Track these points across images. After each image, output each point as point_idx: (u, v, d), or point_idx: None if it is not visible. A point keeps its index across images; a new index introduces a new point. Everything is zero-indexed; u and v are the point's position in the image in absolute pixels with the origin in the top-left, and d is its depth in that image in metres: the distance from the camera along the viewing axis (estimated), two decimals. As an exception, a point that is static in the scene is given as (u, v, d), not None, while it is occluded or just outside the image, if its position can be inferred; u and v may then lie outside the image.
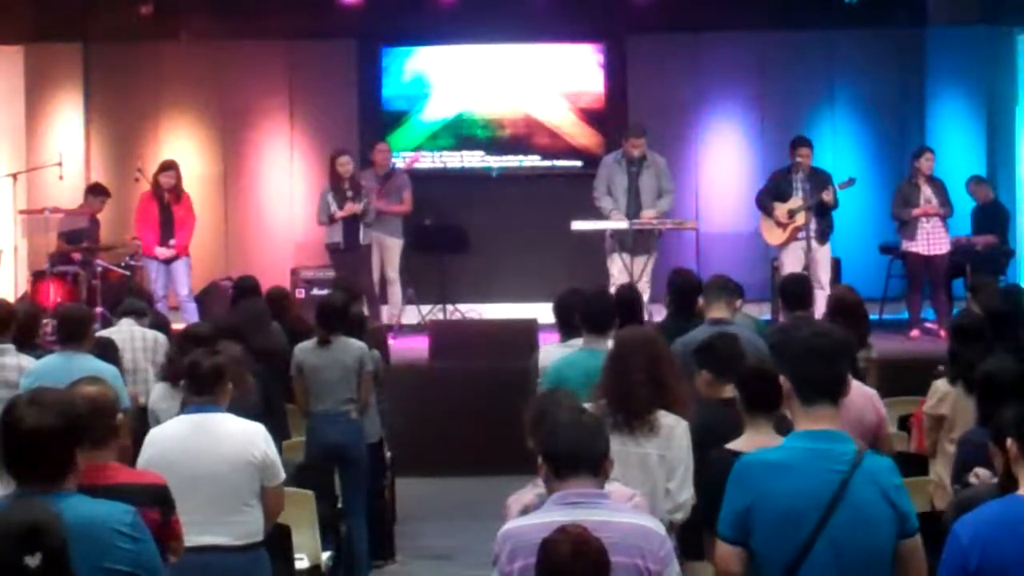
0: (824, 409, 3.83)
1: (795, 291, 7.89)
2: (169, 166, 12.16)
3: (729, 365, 5.61)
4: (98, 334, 8.02)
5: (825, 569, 3.72)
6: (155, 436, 5.57)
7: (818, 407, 3.83)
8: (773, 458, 3.87)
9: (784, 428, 5.21)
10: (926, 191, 12.05)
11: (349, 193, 12.18)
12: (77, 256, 12.50)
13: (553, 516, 3.68)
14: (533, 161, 14.17)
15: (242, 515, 5.46)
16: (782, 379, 3.91)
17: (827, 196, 11.63)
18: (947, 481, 6.34)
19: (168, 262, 12.02)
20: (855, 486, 3.73)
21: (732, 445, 5.00)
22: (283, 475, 5.62)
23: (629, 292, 8.54)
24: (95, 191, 12.95)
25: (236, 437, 5.49)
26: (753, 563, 3.80)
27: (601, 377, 5.44)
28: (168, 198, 12.04)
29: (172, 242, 12.03)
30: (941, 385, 6.68)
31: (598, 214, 11.93)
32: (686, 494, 5.24)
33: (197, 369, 5.57)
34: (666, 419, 5.30)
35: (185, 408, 5.64)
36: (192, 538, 5.30)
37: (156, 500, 4.50)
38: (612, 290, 10.25)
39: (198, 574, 5.29)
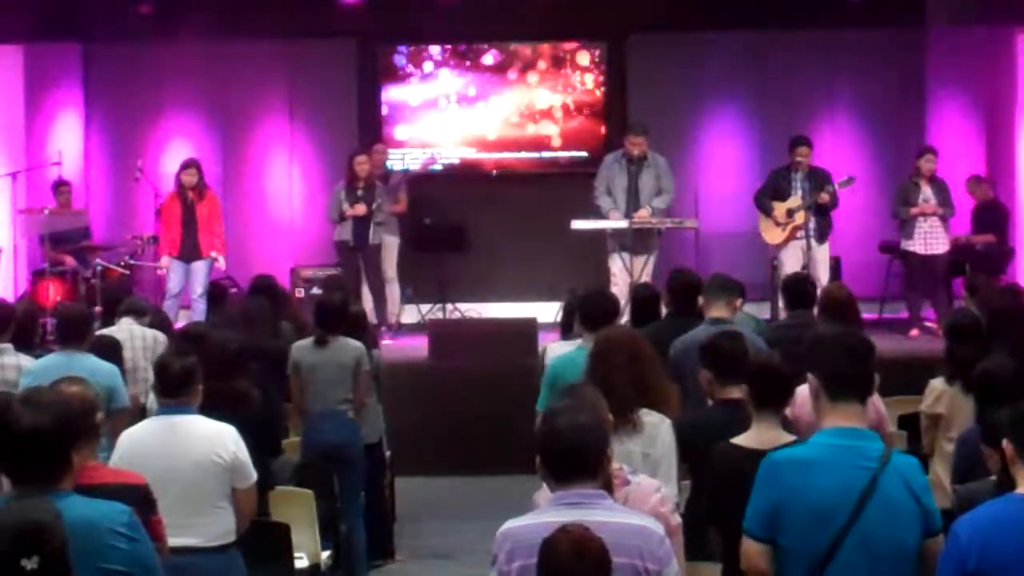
0: (852, 407, 3.89)
1: (798, 290, 7.88)
2: (190, 164, 12.08)
3: (733, 364, 5.61)
4: (99, 333, 8.01)
5: (854, 565, 3.76)
6: (126, 437, 5.57)
7: (846, 404, 3.89)
8: (802, 455, 3.91)
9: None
10: (926, 191, 12.03)
11: (360, 193, 12.18)
12: (67, 259, 12.50)
13: (551, 516, 3.67)
14: (533, 160, 14.17)
15: (212, 516, 5.45)
16: (810, 377, 3.94)
17: (823, 198, 11.61)
18: (945, 480, 6.36)
19: (189, 261, 11.99)
20: (885, 483, 3.78)
21: (738, 440, 5.00)
22: (254, 476, 5.58)
23: (646, 291, 8.55)
24: (59, 185, 13.02)
25: (204, 438, 5.48)
26: (778, 560, 3.83)
27: (583, 376, 5.43)
28: (191, 196, 12.01)
29: (214, 254, 11.93)
30: (937, 384, 6.70)
31: (598, 213, 11.93)
32: (670, 491, 5.22)
33: (166, 371, 5.55)
34: (649, 417, 5.30)
35: (156, 410, 5.64)
36: None
37: (137, 500, 4.48)
38: (614, 289, 10.31)
39: (169, 574, 5.29)
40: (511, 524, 3.80)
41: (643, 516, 3.85)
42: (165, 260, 12.01)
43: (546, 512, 3.75)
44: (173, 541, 5.28)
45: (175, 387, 5.53)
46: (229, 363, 6.64)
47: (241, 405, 6.34)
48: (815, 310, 7.82)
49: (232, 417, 5.70)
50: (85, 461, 4.40)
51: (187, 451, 5.43)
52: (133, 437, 5.55)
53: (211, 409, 5.70)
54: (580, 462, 3.76)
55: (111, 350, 7.59)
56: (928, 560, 3.83)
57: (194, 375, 5.57)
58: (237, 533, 5.55)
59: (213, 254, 11.98)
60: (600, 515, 3.67)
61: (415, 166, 13.68)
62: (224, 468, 5.45)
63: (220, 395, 6.04)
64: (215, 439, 5.48)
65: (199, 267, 11.97)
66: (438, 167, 14.02)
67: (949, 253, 12.10)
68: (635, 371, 5.32)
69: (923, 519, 3.82)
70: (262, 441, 6.31)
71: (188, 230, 11.96)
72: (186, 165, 12.09)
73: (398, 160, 13.86)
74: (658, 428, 5.28)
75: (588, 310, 6.61)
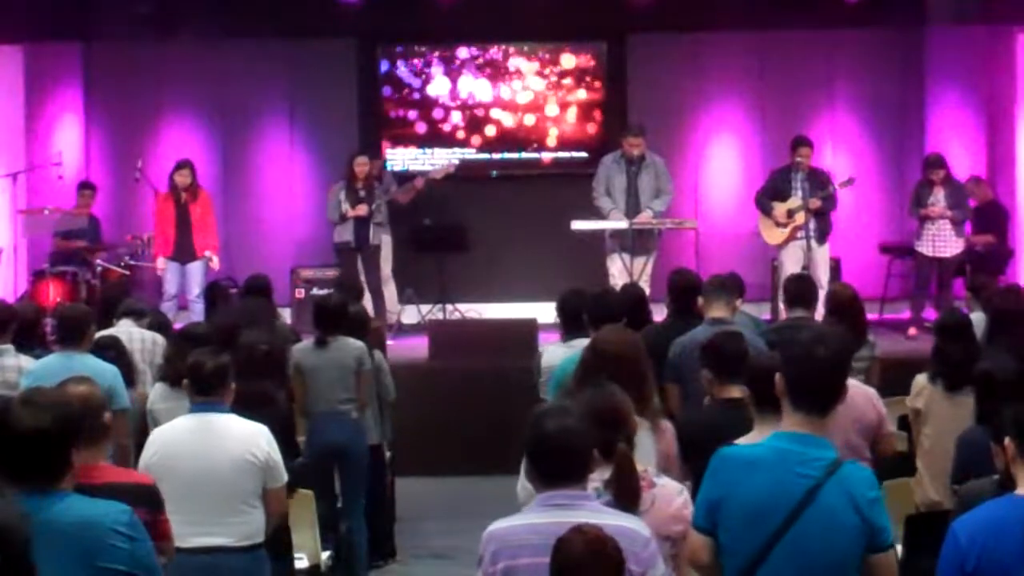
0: (811, 416, 3.81)
1: (797, 291, 7.85)
2: (183, 165, 12.14)
3: (733, 364, 5.60)
4: (100, 334, 8.01)
5: (783, 572, 3.71)
6: (158, 436, 5.58)
7: (804, 412, 3.82)
8: (748, 454, 3.89)
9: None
10: (937, 193, 12.01)
11: (361, 193, 12.21)
12: (75, 252, 12.52)
13: (536, 518, 3.68)
14: (532, 161, 14.16)
15: (243, 516, 5.46)
16: (777, 376, 3.90)
17: (814, 204, 11.58)
18: (926, 475, 6.49)
19: (185, 262, 12.02)
20: (825, 494, 3.71)
21: (742, 441, 4.99)
22: (285, 477, 5.61)
23: (633, 290, 8.55)
24: (82, 187, 13.03)
25: (238, 437, 5.48)
26: (720, 555, 3.82)
27: (572, 379, 5.38)
28: (184, 197, 12.04)
29: (208, 253, 12.04)
30: (920, 379, 6.76)
31: (598, 214, 11.94)
32: None
33: (200, 369, 5.55)
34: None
35: (190, 408, 5.62)
36: (193, 539, 5.30)
37: (144, 500, 4.48)
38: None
39: (198, 574, 5.29)
40: (496, 525, 3.80)
41: (629, 518, 3.84)
42: (161, 261, 12.05)
43: (531, 513, 3.76)
44: (203, 540, 5.31)
45: (209, 385, 5.53)
46: (259, 364, 6.68)
47: (266, 407, 6.33)
48: (815, 310, 7.81)
49: (257, 419, 5.68)
50: (93, 460, 4.40)
51: (222, 450, 5.44)
52: (166, 435, 5.55)
53: (237, 410, 5.70)
54: (567, 464, 3.76)
55: (114, 350, 7.59)
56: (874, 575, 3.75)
57: (227, 373, 5.58)
58: (265, 533, 5.56)
59: (208, 254, 12.03)
60: (585, 516, 3.66)
61: (417, 167, 13.67)
62: (258, 468, 5.46)
63: (246, 396, 6.03)
64: (249, 438, 5.48)
65: (195, 268, 12.03)
66: (438, 167, 14.01)
67: (959, 255, 12.05)
68: (621, 376, 5.28)
69: (867, 534, 3.71)
70: (286, 443, 6.30)
71: (182, 231, 12.01)
72: (180, 166, 12.13)
73: (397, 160, 13.87)
74: (640, 436, 5.26)
75: (596, 311, 6.60)
